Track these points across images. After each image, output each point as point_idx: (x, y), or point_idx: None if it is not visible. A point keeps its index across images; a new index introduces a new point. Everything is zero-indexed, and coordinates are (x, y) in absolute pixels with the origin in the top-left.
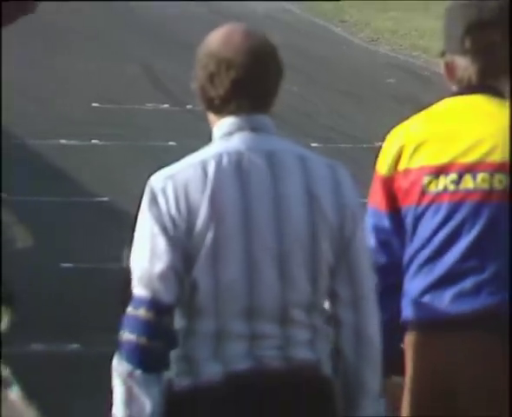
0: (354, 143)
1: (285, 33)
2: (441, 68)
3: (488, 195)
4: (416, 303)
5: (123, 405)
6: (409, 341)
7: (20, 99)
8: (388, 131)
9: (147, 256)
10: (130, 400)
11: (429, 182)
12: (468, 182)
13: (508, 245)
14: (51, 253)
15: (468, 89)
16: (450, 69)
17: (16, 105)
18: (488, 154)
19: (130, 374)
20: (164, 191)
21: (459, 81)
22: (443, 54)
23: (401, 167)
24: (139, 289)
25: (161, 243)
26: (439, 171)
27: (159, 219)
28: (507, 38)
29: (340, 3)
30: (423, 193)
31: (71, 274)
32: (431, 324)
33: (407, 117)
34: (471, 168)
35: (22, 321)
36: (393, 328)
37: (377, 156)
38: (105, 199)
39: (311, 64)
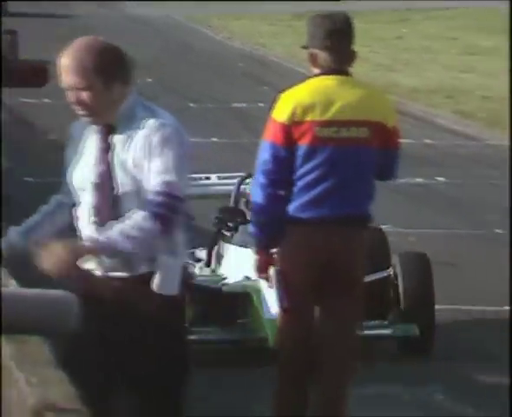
0: (217, 104)
1: (171, 33)
2: (277, 57)
3: (356, 141)
4: (305, 208)
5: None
6: (295, 232)
7: None
8: (239, 96)
9: None
10: None
11: (319, 131)
12: (344, 132)
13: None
14: (20, 172)
15: (331, 71)
16: (314, 58)
17: None
18: (355, 114)
19: None
20: None
21: (321, 67)
22: (305, 47)
23: (296, 119)
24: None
25: None
26: (325, 124)
27: None
28: (350, 40)
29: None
30: (315, 137)
31: (31, 185)
32: (313, 221)
33: (252, 88)
34: (345, 124)
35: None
36: (279, 223)
37: (232, 113)
38: (53, 137)
39: (190, 52)
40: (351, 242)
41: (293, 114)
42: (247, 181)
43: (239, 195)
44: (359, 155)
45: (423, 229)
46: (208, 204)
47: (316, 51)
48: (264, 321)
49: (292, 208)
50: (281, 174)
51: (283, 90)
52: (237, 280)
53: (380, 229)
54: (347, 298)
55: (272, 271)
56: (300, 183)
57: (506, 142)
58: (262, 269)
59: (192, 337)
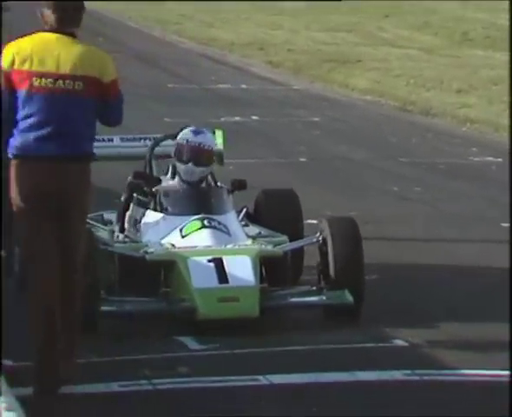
0: None
1: None
2: (110, 14)
3: (71, 92)
4: (27, 146)
5: None
6: (19, 167)
7: None
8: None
9: None
10: None
11: (36, 80)
12: (60, 84)
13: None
14: None
15: (54, 29)
16: (43, 17)
17: None
18: (71, 69)
19: None
20: None
21: (47, 24)
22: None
23: (15, 67)
24: None
25: None
26: (41, 75)
27: None
28: (76, 6)
29: None
30: (32, 85)
31: None
32: (35, 158)
33: (88, 38)
34: (61, 77)
35: None
36: None
37: None
38: None
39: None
40: (71, 176)
41: (13, 62)
42: (163, 143)
43: (153, 157)
44: (74, 104)
45: (241, 159)
46: (113, 166)
47: (44, 11)
48: (192, 291)
49: (15, 145)
50: (3, 112)
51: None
52: (159, 247)
53: (291, 190)
54: (71, 219)
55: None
56: (22, 124)
57: (308, 86)
58: None
59: (111, 308)
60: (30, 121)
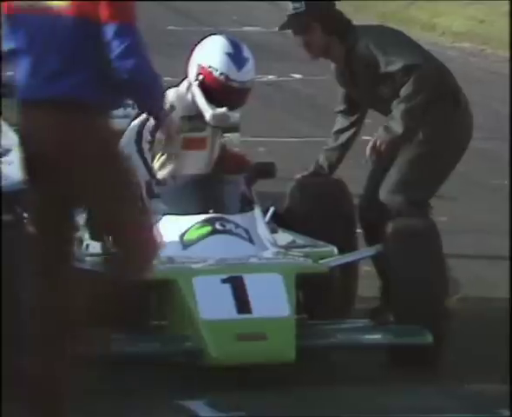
0: None
1: None
2: None
3: (57, 11)
4: (20, 87)
5: None
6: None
7: None
8: None
9: None
10: None
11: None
12: (41, 4)
13: None
14: None
15: None
16: None
17: None
18: None
19: None
20: None
21: None
22: None
23: None
24: None
25: None
26: None
27: None
28: None
29: None
30: (10, 7)
31: None
32: (23, 103)
33: None
34: None
35: None
36: None
37: None
38: None
39: None
40: (62, 130)
41: None
42: None
43: None
44: (64, 29)
45: (275, 138)
46: None
47: None
48: (200, 325)
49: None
50: None
51: None
52: None
53: (340, 181)
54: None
55: None
56: (12, 58)
57: None
58: None
59: None
60: (15, 52)
